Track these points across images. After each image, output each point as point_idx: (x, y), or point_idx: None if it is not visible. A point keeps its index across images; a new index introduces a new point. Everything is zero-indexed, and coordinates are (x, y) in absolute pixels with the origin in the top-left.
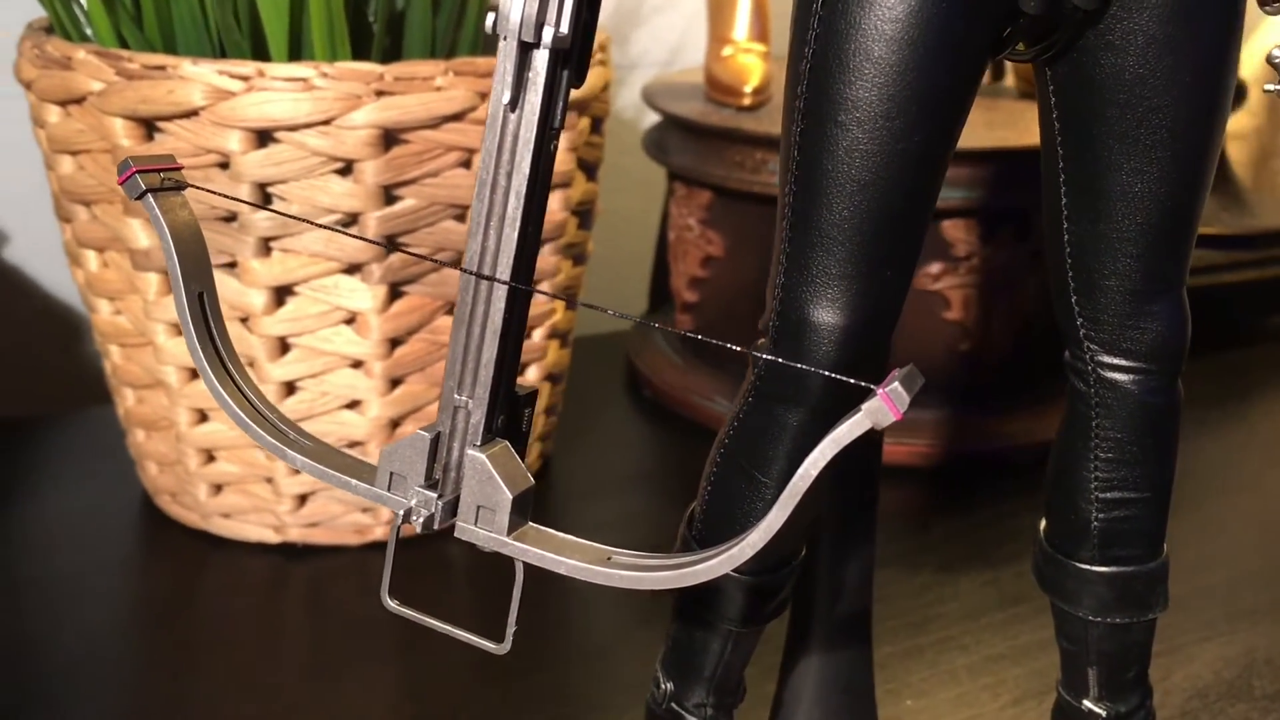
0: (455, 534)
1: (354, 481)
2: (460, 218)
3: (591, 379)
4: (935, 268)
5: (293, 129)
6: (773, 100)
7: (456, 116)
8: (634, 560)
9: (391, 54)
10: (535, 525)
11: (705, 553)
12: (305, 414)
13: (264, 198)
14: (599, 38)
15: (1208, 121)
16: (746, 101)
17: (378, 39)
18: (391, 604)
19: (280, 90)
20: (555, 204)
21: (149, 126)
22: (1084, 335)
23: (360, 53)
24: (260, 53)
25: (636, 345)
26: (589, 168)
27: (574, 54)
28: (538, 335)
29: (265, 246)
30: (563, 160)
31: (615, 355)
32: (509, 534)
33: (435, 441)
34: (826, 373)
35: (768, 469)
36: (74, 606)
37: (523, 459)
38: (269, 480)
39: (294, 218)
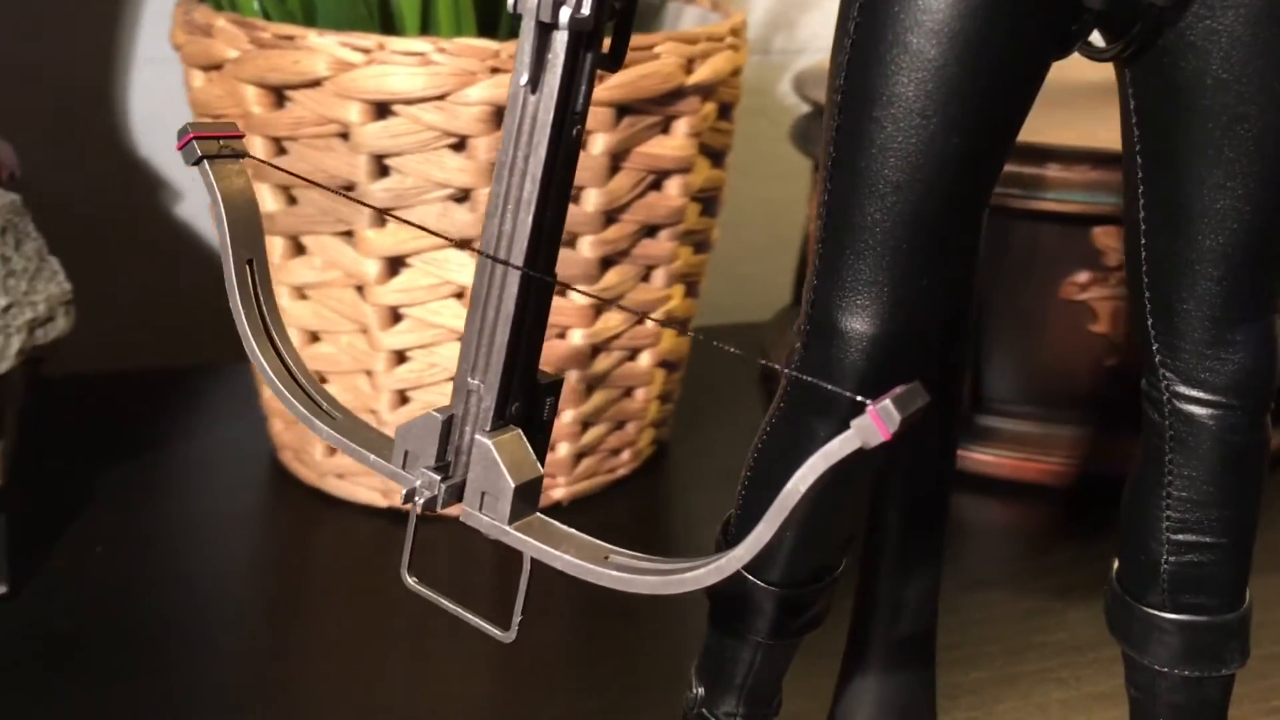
0: (461, 518)
1: (372, 456)
2: (574, 198)
3: (723, 369)
4: (1083, 277)
5: (409, 102)
6: None
7: None
8: (630, 562)
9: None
10: (541, 516)
11: (693, 562)
12: (414, 383)
13: (381, 169)
14: (733, 19)
15: None
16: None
17: (506, 18)
18: (410, 580)
19: (399, 64)
20: (674, 189)
21: (279, 94)
22: (1159, 362)
23: (490, 31)
24: (394, 28)
25: (773, 337)
26: (715, 154)
27: (598, 36)
28: (651, 322)
29: (380, 217)
30: (682, 145)
31: (751, 347)
32: (510, 523)
33: (448, 424)
34: (826, 384)
35: None
36: (197, 551)
37: (543, 448)
38: None
39: (315, 184)
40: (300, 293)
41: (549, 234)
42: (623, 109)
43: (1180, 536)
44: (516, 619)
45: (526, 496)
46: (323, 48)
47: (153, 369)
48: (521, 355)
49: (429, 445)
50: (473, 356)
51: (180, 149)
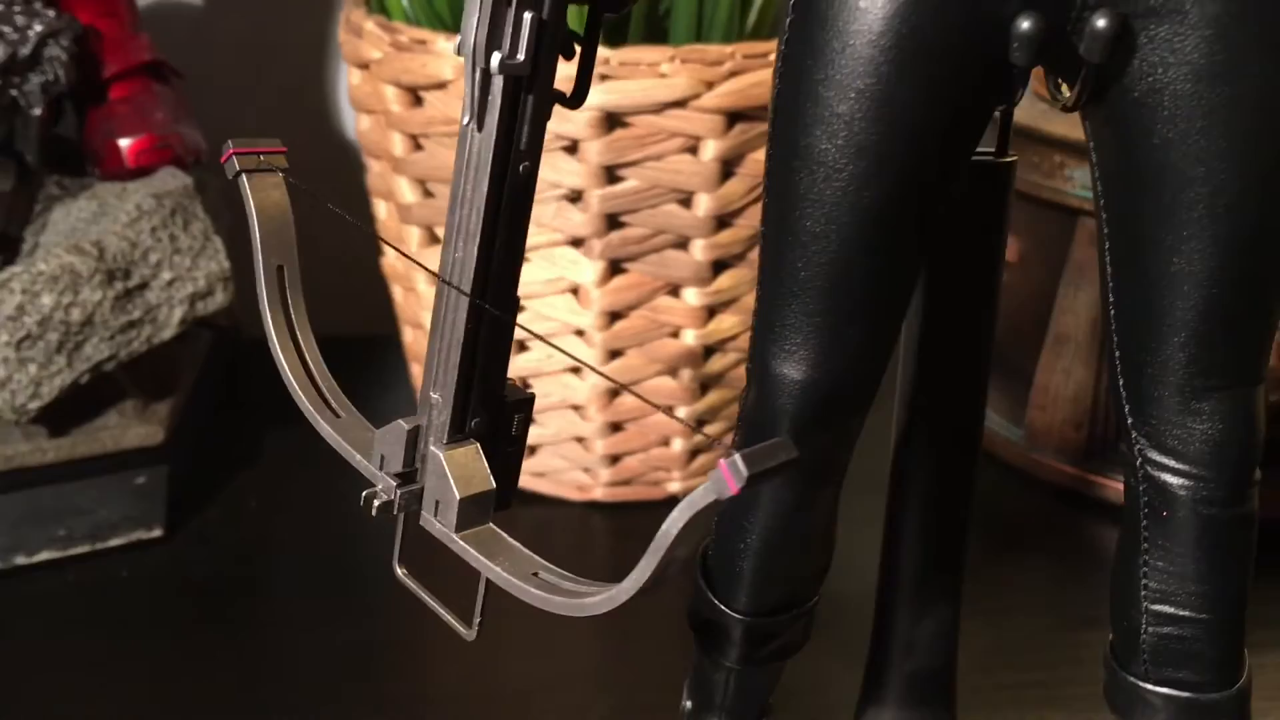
0: (420, 523)
1: (357, 456)
2: (685, 203)
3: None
4: None
5: None
6: None
7: (679, 103)
8: (553, 580)
9: (659, 39)
10: (493, 528)
11: (593, 589)
12: (534, 371)
13: None
14: None
15: (1262, 196)
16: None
17: (634, 25)
18: (399, 572)
19: None
20: None
21: (414, 94)
22: (1131, 425)
23: (621, 38)
24: None
25: None
26: None
27: (543, 79)
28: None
29: None
30: None
31: None
32: (457, 531)
33: (414, 433)
34: (704, 432)
35: (750, 515)
36: (341, 516)
37: (515, 462)
38: None
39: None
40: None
41: (499, 263)
42: (734, 115)
43: (1158, 607)
44: (477, 619)
45: (476, 506)
46: (448, 53)
47: (344, 336)
48: (479, 373)
49: (397, 452)
50: (433, 372)
51: (223, 162)
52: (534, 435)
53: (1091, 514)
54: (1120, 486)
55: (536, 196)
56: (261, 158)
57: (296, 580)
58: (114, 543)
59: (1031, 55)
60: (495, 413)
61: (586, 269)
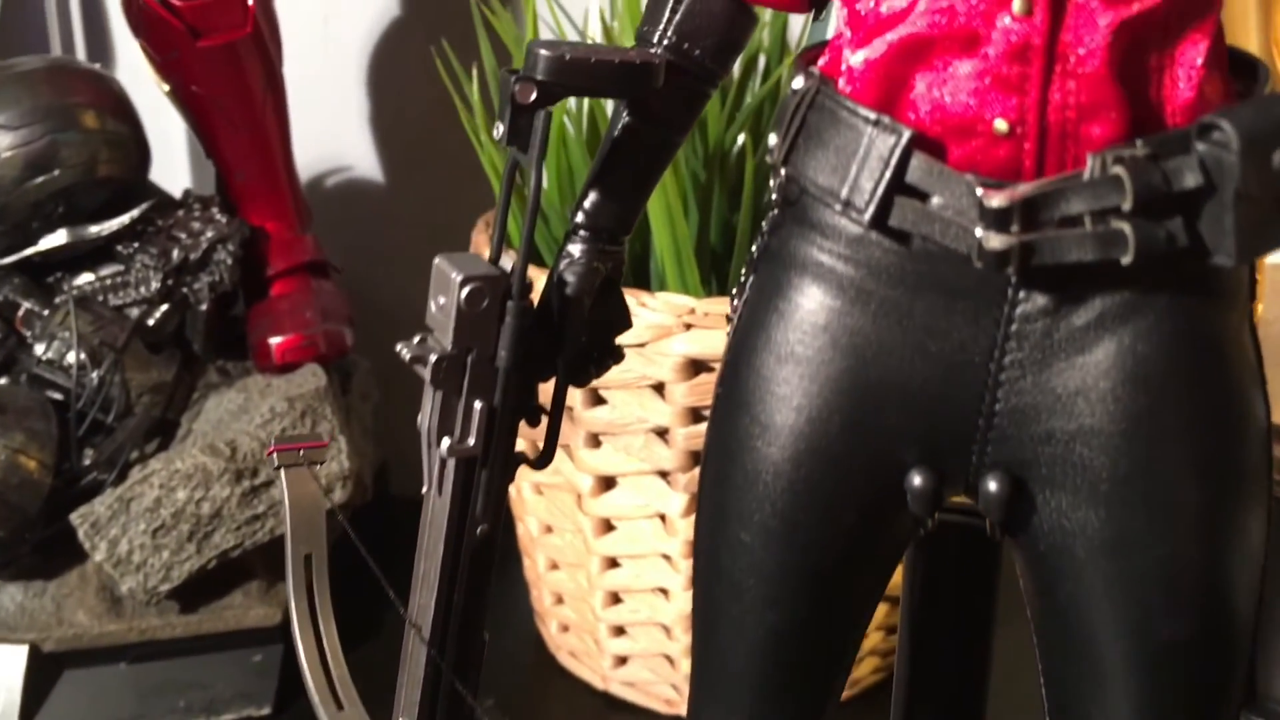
0: None
1: None
2: None
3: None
4: None
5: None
6: None
7: None
8: None
9: None
10: None
11: None
12: (624, 587)
13: (598, 399)
14: None
15: (1172, 667)
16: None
17: (734, 272)
18: None
19: None
20: None
21: None
22: None
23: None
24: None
25: None
26: None
27: (494, 456)
28: None
29: (595, 440)
30: None
31: None
32: None
33: None
34: None
35: None
36: None
37: None
38: (595, 637)
39: None
40: (538, 489)
41: (462, 608)
42: None
43: None
44: None
45: None
46: None
47: None
48: (441, 704)
49: None
50: (401, 700)
51: (267, 457)
52: (625, 647)
53: None
54: None
55: (628, 428)
56: (301, 453)
57: None
58: (225, 717)
59: (927, 508)
60: None
61: (672, 499)
